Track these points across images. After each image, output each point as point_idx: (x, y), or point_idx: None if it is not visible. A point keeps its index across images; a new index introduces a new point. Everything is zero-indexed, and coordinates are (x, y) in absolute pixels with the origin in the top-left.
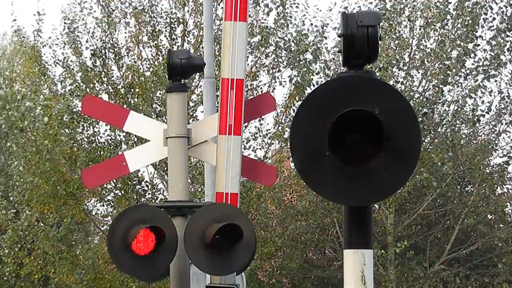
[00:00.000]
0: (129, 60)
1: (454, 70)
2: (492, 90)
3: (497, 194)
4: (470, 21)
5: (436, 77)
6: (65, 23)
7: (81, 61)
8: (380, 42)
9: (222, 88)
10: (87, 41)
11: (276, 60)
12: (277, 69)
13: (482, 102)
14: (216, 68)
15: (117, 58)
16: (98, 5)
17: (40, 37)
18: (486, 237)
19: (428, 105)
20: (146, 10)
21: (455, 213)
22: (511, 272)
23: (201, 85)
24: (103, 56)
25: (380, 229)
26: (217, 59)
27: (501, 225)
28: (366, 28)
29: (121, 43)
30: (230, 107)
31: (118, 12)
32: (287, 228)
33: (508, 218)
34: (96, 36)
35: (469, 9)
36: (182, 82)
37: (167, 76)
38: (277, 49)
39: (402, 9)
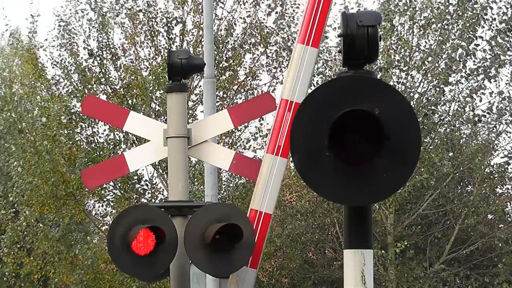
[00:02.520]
0: (126, 60)
1: (455, 68)
2: (492, 91)
3: (497, 194)
4: (471, 21)
5: (437, 77)
6: (59, 25)
7: (77, 62)
8: (380, 42)
9: (279, 108)
10: (84, 41)
11: (276, 60)
12: (278, 69)
13: (480, 100)
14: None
15: (114, 58)
16: (90, 7)
17: (35, 39)
18: (486, 237)
19: (428, 106)
20: (142, 11)
21: (455, 213)
22: (511, 272)
23: (200, 85)
24: (100, 57)
25: (380, 229)
26: (216, 59)
27: (501, 225)
28: (366, 28)
29: (117, 44)
30: (283, 129)
31: (111, 13)
32: (286, 228)
33: (508, 218)
34: (91, 37)
35: (469, 9)
36: (182, 82)
37: (165, 76)
38: (277, 49)
39: (404, 10)
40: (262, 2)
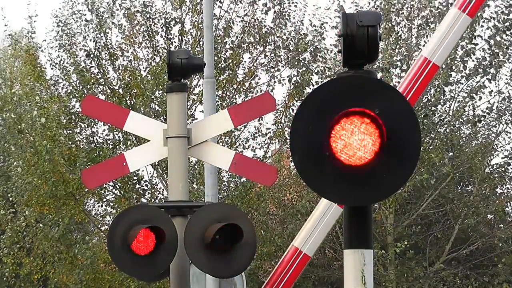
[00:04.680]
0: (123, 60)
1: (455, 68)
2: (492, 90)
3: (497, 194)
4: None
5: (436, 77)
6: (58, 25)
7: (76, 62)
8: (380, 42)
9: (415, 64)
10: (79, 43)
11: (274, 59)
12: (276, 68)
13: (480, 99)
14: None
15: (112, 59)
16: (87, 8)
17: (33, 41)
18: (486, 237)
19: (428, 106)
20: (140, 11)
21: (455, 213)
22: (511, 272)
23: (199, 85)
24: (98, 57)
25: (380, 229)
26: (215, 59)
27: (501, 225)
28: (366, 28)
29: (115, 44)
30: (412, 86)
31: (108, 14)
32: (287, 228)
33: (508, 218)
34: (89, 38)
35: None
36: (182, 82)
37: (165, 76)
38: (275, 48)
39: (400, 9)
40: (259, 0)
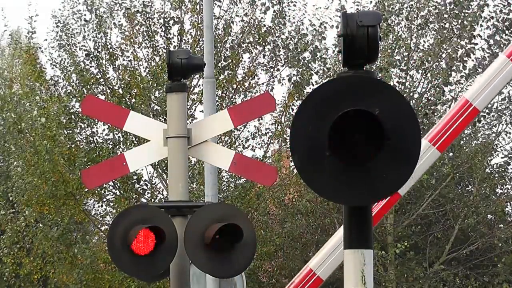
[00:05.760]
0: (123, 60)
1: (454, 68)
2: None
3: (497, 194)
4: (468, 19)
5: (436, 77)
6: (57, 26)
7: (76, 62)
8: (380, 42)
9: (456, 105)
10: (79, 43)
11: (274, 58)
12: (276, 68)
13: None
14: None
15: (112, 59)
16: (86, 8)
17: (32, 41)
18: (486, 237)
19: (428, 106)
20: (140, 11)
21: (455, 213)
22: (511, 271)
23: (199, 85)
24: (97, 57)
25: (380, 229)
26: (215, 58)
27: (501, 225)
28: (366, 28)
29: (115, 44)
30: (449, 127)
31: (107, 14)
32: (285, 226)
33: (508, 218)
34: (88, 38)
35: (466, 8)
36: (182, 82)
37: (164, 76)
38: (275, 47)
39: (400, 9)
40: (259, 0)
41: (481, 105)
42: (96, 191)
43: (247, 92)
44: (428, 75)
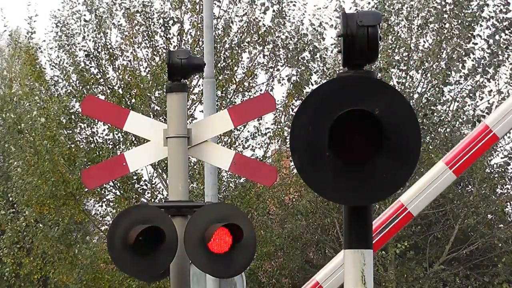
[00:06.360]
0: (123, 60)
1: (454, 68)
2: (491, 90)
3: (497, 194)
4: (468, 19)
5: (436, 77)
6: (57, 26)
7: (76, 62)
8: (380, 42)
9: (475, 130)
10: (79, 43)
11: (273, 58)
12: (276, 68)
13: (481, 99)
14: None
15: (111, 59)
16: (86, 8)
17: (32, 42)
18: (486, 237)
19: (428, 106)
20: (139, 11)
21: (455, 213)
22: (511, 272)
23: (199, 85)
24: (97, 57)
25: None
26: (214, 59)
27: (501, 225)
28: (366, 28)
29: (115, 44)
30: (467, 152)
31: (107, 14)
32: (285, 227)
33: (508, 218)
34: (88, 38)
35: (465, 8)
36: (182, 82)
37: (164, 76)
38: (274, 47)
39: (400, 9)
40: (259, 0)
41: (500, 132)
42: (96, 191)
43: (246, 92)
44: (428, 75)
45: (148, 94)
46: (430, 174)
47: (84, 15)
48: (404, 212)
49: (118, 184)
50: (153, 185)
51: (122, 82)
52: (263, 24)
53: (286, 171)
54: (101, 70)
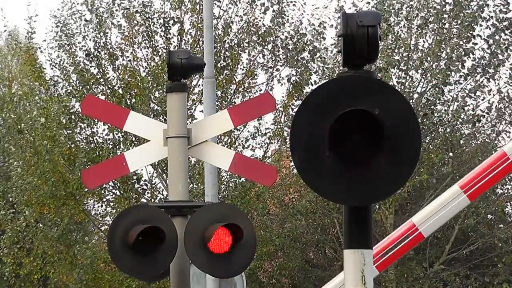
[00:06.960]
0: (123, 60)
1: (454, 68)
2: (491, 89)
3: (497, 194)
4: (468, 19)
5: (436, 77)
6: (57, 26)
7: (76, 62)
8: (380, 42)
9: (493, 156)
10: (79, 43)
11: (273, 58)
12: (275, 68)
13: (483, 99)
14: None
15: (111, 59)
16: (86, 8)
17: (32, 41)
18: (486, 237)
19: (428, 106)
20: (138, 11)
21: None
22: (511, 272)
23: (199, 85)
24: (97, 57)
25: (380, 229)
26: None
27: (501, 225)
28: (366, 28)
29: (115, 44)
30: (484, 176)
31: (107, 14)
32: (285, 227)
33: (508, 218)
34: (88, 38)
35: (465, 8)
36: (182, 82)
37: (164, 76)
38: (274, 47)
39: (399, 9)
40: (259, 0)
41: None
42: (96, 191)
43: (246, 92)
44: (428, 75)
45: (148, 94)
46: (444, 197)
47: (84, 15)
48: (415, 233)
49: (118, 184)
50: (153, 185)
51: (122, 82)
52: (263, 24)
53: (286, 171)
54: (101, 70)
